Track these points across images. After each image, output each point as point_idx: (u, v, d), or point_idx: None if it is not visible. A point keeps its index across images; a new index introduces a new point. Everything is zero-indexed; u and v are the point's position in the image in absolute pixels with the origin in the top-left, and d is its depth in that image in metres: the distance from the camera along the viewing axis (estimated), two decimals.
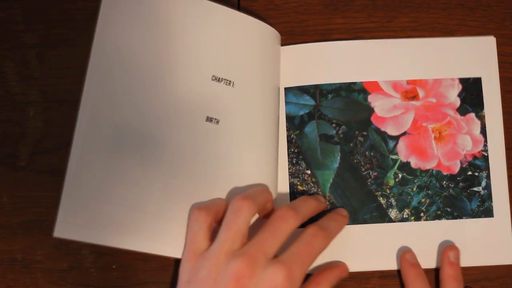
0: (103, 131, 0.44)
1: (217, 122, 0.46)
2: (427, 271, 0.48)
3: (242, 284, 0.38)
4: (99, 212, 0.43)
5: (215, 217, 0.43)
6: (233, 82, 0.47)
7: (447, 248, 0.47)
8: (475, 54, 0.51)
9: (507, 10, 0.52)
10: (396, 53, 0.51)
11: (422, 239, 0.48)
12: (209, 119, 0.46)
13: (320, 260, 0.48)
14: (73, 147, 0.43)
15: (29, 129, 0.50)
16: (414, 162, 0.50)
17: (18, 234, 0.49)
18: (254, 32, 0.48)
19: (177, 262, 0.47)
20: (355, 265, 0.48)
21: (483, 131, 0.50)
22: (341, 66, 0.50)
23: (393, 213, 0.49)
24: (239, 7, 0.52)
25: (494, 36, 0.51)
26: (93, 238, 0.43)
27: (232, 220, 0.41)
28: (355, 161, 0.50)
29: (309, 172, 0.50)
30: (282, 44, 0.51)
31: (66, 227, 0.42)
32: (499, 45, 0.51)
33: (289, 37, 0.52)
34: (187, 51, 0.46)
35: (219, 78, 0.46)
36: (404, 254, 0.47)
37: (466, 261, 0.48)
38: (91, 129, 0.44)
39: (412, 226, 0.48)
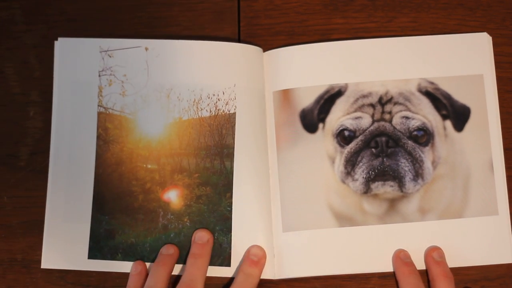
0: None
1: None
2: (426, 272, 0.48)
3: None
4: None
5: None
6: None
7: (430, 251, 0.47)
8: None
9: (507, 10, 0.52)
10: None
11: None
12: None
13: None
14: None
15: (29, 129, 0.50)
16: None
17: (18, 234, 0.49)
18: None
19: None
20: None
21: None
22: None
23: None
24: (239, 7, 0.52)
25: (494, 36, 0.51)
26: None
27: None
28: None
29: None
30: (282, 45, 0.51)
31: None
32: (499, 45, 0.51)
33: (289, 37, 0.52)
34: None
35: None
36: (398, 253, 0.48)
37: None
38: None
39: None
